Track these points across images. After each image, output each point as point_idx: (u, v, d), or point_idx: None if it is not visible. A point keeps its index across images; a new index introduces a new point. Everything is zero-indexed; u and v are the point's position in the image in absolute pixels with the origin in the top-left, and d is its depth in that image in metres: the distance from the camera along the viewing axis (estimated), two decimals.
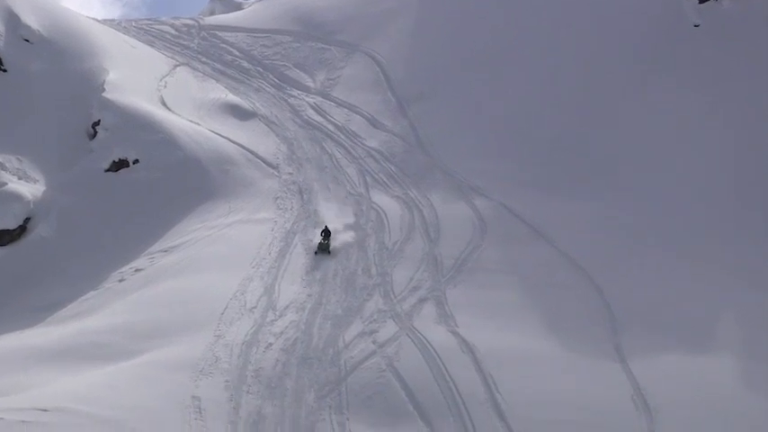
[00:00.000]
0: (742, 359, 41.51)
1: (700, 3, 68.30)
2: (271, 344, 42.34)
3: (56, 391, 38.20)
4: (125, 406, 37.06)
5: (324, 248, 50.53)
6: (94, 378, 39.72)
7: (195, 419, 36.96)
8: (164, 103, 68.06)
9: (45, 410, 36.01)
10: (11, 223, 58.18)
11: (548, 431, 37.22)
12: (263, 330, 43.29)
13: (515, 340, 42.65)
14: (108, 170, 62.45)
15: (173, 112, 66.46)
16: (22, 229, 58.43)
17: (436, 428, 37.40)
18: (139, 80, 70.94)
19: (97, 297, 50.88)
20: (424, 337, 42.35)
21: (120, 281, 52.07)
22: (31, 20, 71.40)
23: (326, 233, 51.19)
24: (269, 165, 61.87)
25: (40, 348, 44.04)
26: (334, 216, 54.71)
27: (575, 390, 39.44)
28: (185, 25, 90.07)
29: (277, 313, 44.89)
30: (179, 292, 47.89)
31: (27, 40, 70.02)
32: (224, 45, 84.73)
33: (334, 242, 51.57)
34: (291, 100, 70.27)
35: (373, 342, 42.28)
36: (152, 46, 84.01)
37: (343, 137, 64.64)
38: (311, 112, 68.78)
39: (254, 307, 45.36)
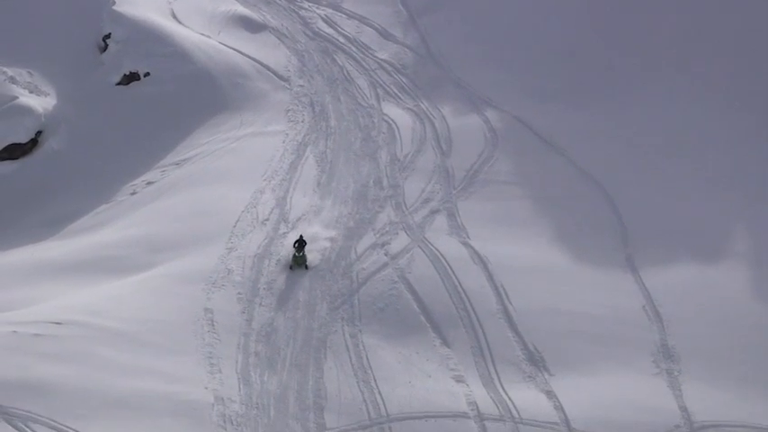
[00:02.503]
0: (754, 271, 41.28)
1: None
2: (283, 256, 42.02)
3: (69, 305, 38.23)
4: (138, 319, 37.17)
5: (299, 262, 40.75)
6: (107, 291, 39.75)
7: (208, 332, 36.99)
8: (174, 16, 67.05)
9: (58, 324, 36.09)
10: (22, 137, 57.71)
11: (559, 341, 37.22)
12: (276, 243, 43.03)
13: (527, 251, 42.47)
14: (119, 83, 61.76)
15: (183, 24, 65.50)
16: (33, 143, 58.02)
17: (448, 339, 37.42)
18: None
19: (109, 210, 50.69)
20: (435, 249, 42.16)
21: (132, 194, 51.78)
22: None
23: (301, 244, 41.07)
24: (280, 77, 61.10)
25: (53, 262, 44.06)
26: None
27: (586, 300, 39.36)
28: None
29: (289, 225, 44.59)
30: (191, 204, 47.62)
31: None
32: None
33: (311, 254, 42.08)
34: (302, 12, 69.12)
35: (385, 254, 42.10)
36: None
37: (353, 49, 63.70)
38: (322, 24, 67.67)
39: (266, 219, 45.04)
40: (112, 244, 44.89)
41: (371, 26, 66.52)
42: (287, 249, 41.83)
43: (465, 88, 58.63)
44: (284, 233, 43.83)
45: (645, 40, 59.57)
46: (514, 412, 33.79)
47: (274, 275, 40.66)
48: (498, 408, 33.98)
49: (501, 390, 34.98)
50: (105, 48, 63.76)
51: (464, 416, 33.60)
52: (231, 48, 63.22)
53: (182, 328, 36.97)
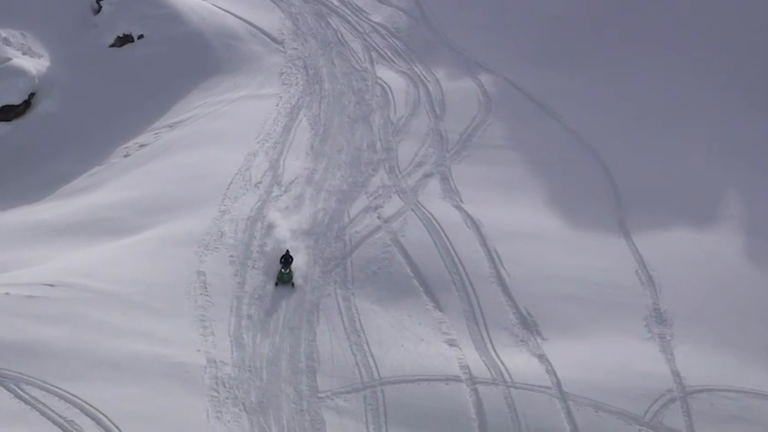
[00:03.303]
0: (746, 235, 41.29)
1: None
2: (276, 219, 41.75)
3: (62, 267, 37.97)
4: (131, 281, 36.90)
5: (285, 279, 37.63)
6: (100, 253, 39.44)
7: (200, 294, 36.73)
8: None
9: (51, 285, 35.84)
10: (15, 98, 57.16)
11: (552, 305, 37.09)
12: (268, 206, 42.71)
13: (520, 215, 42.26)
14: (112, 45, 61.17)
15: None
16: (26, 105, 57.49)
17: (441, 303, 37.24)
18: None
19: (102, 172, 50.26)
20: (428, 213, 41.90)
21: (126, 156, 51.36)
22: None
23: (287, 259, 38.03)
24: (273, 40, 60.57)
25: (46, 224, 43.83)
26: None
27: (579, 264, 39.24)
28: None
29: (282, 188, 44.26)
30: (184, 167, 47.20)
31: None
32: None
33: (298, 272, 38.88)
34: None
35: (378, 217, 41.83)
36: None
37: (348, 12, 63.12)
38: None
39: (260, 182, 44.64)
40: (105, 206, 44.56)
41: None
42: (273, 261, 38.88)
43: (459, 52, 58.19)
44: (277, 196, 43.47)
45: (647, 8, 59.17)
46: (507, 376, 33.64)
47: (267, 238, 40.29)
48: (490, 371, 33.82)
49: (493, 353, 34.81)
50: (99, 9, 63.15)
51: (456, 379, 33.44)
52: (225, 10, 62.61)
53: (174, 291, 36.70)
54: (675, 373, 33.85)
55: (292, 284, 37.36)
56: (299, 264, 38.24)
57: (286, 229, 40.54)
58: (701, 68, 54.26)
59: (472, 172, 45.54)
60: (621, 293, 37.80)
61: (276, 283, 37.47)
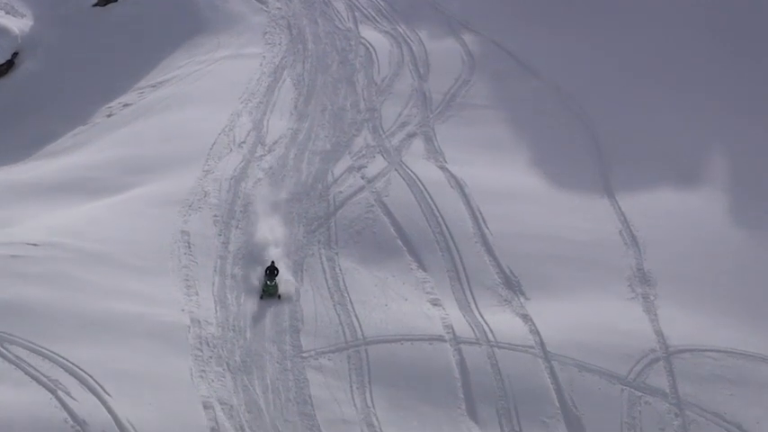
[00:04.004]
0: (732, 196, 41.10)
1: None
2: (260, 179, 41.56)
3: (46, 226, 37.60)
4: (115, 240, 36.58)
5: (271, 292, 34.94)
6: (84, 213, 39.14)
7: (184, 254, 36.44)
8: None
9: (35, 245, 35.57)
10: None
11: (535, 265, 36.82)
12: (252, 165, 42.45)
13: (504, 175, 41.97)
14: (96, 5, 60.74)
15: None
16: (9, 64, 57.12)
17: (424, 263, 36.94)
18: None
19: (86, 132, 49.94)
20: (412, 173, 41.57)
21: (109, 116, 51.05)
22: None
23: (272, 271, 35.38)
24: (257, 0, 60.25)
25: (29, 183, 43.38)
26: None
27: (563, 224, 38.99)
28: None
29: (266, 148, 44.00)
30: (168, 126, 46.93)
31: None
32: None
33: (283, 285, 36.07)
34: None
35: (362, 177, 41.52)
36: None
37: None
38: None
39: (243, 142, 44.37)
40: (89, 166, 44.21)
41: None
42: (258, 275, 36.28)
43: (442, 12, 57.84)
44: (261, 155, 43.16)
45: None
46: (490, 336, 33.31)
47: (251, 198, 40.01)
48: (474, 331, 33.50)
49: (477, 313, 34.51)
50: None
51: (440, 339, 33.15)
52: None
53: (158, 251, 36.38)
54: (659, 333, 33.60)
55: (278, 297, 34.70)
56: (286, 276, 35.90)
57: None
58: (686, 20, 53.97)
59: (456, 132, 45.27)
60: (605, 253, 37.58)
61: (261, 297, 34.72)
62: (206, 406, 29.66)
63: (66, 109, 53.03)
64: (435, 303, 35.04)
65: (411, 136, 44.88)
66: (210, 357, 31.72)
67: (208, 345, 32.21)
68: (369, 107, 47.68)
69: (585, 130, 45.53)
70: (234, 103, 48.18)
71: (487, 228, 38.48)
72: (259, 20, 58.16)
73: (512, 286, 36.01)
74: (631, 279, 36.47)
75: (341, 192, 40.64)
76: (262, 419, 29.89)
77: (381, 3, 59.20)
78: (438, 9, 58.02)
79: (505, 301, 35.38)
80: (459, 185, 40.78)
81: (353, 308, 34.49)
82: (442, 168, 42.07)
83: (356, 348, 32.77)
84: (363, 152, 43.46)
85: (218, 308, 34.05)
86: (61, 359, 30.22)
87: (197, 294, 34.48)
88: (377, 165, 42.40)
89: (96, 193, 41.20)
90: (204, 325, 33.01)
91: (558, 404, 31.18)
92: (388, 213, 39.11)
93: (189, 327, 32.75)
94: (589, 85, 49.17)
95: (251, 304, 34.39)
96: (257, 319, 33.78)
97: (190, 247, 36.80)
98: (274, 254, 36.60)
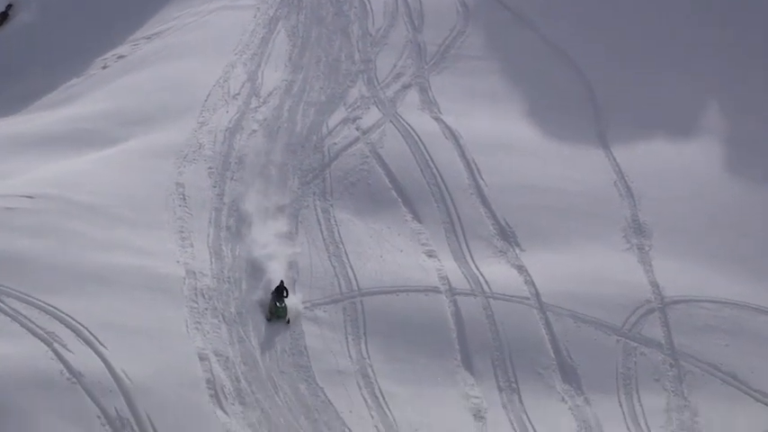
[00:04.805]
0: (727, 148, 40.89)
1: None
2: (254, 130, 41.12)
3: (41, 178, 37.22)
4: (109, 193, 36.27)
5: (281, 314, 31.74)
6: (79, 165, 38.76)
7: (179, 206, 36.14)
8: None
9: (30, 197, 35.15)
10: None
11: (530, 216, 36.66)
12: (247, 117, 41.99)
13: (499, 127, 41.63)
14: None
15: None
16: (3, 16, 56.62)
17: (419, 214, 36.74)
18: None
19: (81, 84, 49.53)
20: (407, 124, 41.20)
21: (104, 68, 50.57)
22: None
23: (281, 292, 32.22)
24: None
25: (24, 135, 42.89)
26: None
27: (558, 176, 38.79)
28: None
29: (261, 100, 43.53)
30: (162, 78, 46.37)
31: None
32: None
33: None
34: None
35: (357, 129, 41.12)
36: None
37: None
38: None
39: (238, 94, 43.87)
40: (84, 118, 43.70)
41: None
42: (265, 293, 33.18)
43: None
44: (256, 107, 42.74)
45: None
46: (485, 287, 33.16)
47: (246, 150, 39.64)
48: (469, 282, 33.35)
49: (472, 264, 34.35)
50: None
51: (435, 290, 33.02)
52: None
53: (153, 203, 36.11)
54: (653, 284, 33.55)
55: (288, 321, 31.61)
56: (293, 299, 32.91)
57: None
58: None
59: (451, 83, 44.89)
60: (600, 205, 37.47)
61: (269, 319, 31.74)
62: (201, 357, 29.43)
63: (60, 61, 52.60)
64: (430, 255, 34.86)
65: (406, 87, 44.48)
66: (206, 309, 31.46)
67: (203, 296, 31.93)
68: (364, 58, 47.18)
69: (581, 81, 45.20)
70: (228, 54, 47.64)
71: (482, 179, 38.23)
72: None
73: (507, 237, 35.79)
74: (626, 230, 36.34)
75: (336, 143, 40.24)
76: (257, 371, 29.67)
77: None
78: None
79: (500, 252, 35.18)
80: (453, 137, 40.45)
81: (349, 259, 34.25)
82: (437, 119, 41.73)
83: (351, 300, 32.60)
84: (358, 103, 43.05)
85: (213, 259, 33.75)
86: (57, 311, 29.90)
87: (192, 246, 34.18)
88: (372, 116, 42.00)
89: (91, 146, 40.74)
90: (199, 276, 32.73)
91: (553, 355, 31.12)
92: (383, 165, 38.81)
93: (184, 278, 32.45)
94: (586, 36, 48.67)
95: (246, 255, 34.18)
96: (253, 271, 33.59)
97: (185, 199, 36.50)
98: (277, 269, 34.02)
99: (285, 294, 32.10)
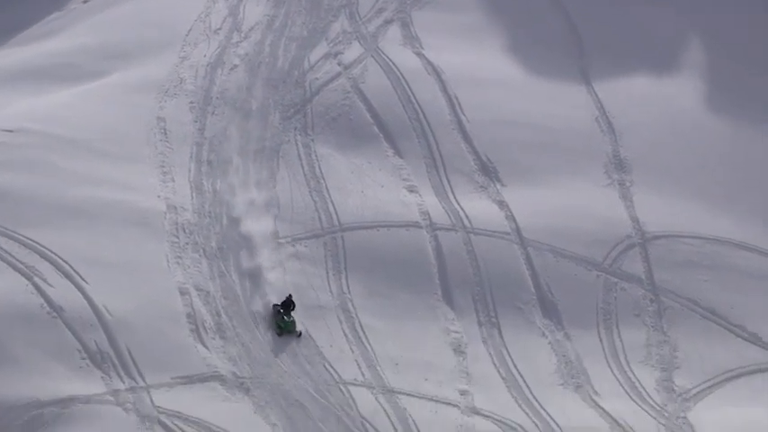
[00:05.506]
0: (708, 84, 40.51)
1: None
2: (236, 65, 40.52)
3: (21, 112, 36.85)
4: (90, 127, 36.01)
5: (289, 329, 29.56)
6: (60, 99, 38.37)
7: (160, 141, 35.88)
8: None
9: (10, 131, 35.03)
10: None
11: (512, 152, 36.43)
12: (228, 52, 41.33)
13: (481, 62, 41.09)
14: None
15: None
16: None
17: (401, 150, 36.46)
18: None
19: (61, 18, 48.36)
20: (389, 59, 40.64)
21: (85, 2, 49.41)
22: None
23: (288, 306, 30.04)
24: None
25: (3, 70, 42.19)
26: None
27: (540, 111, 38.43)
28: None
29: (242, 35, 42.71)
30: (143, 13, 45.40)
31: None
32: None
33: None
34: None
35: (339, 64, 40.55)
36: None
37: None
38: None
39: (219, 28, 43.05)
40: (64, 52, 42.95)
41: None
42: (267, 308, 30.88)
43: None
44: (237, 42, 42.05)
45: None
46: (466, 222, 33.04)
47: (227, 84, 39.17)
48: (450, 217, 33.22)
49: (453, 200, 34.20)
50: None
51: (416, 225, 32.89)
52: None
53: (134, 137, 35.86)
54: (634, 220, 33.50)
55: (299, 334, 29.55)
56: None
57: None
58: None
59: (433, 18, 43.98)
60: (581, 140, 37.23)
61: (279, 334, 29.60)
62: (182, 292, 29.46)
63: None
64: (411, 190, 34.68)
65: (388, 22, 43.60)
66: (187, 244, 31.39)
67: (184, 231, 31.83)
68: None
69: (563, 17, 44.36)
70: None
71: (464, 114, 37.88)
72: None
73: (488, 173, 35.58)
74: (607, 166, 36.17)
75: (317, 78, 39.70)
76: (238, 305, 29.62)
77: None
78: None
79: (482, 187, 35.01)
80: (435, 72, 39.99)
81: (329, 194, 34.08)
82: (419, 55, 41.16)
83: (332, 235, 32.45)
84: (340, 38, 42.35)
85: (194, 194, 33.59)
86: (37, 246, 29.91)
87: (173, 181, 34.01)
88: (353, 51, 41.36)
89: (72, 80, 40.21)
90: (180, 211, 32.61)
91: (533, 290, 31.11)
92: (365, 100, 38.39)
93: (165, 213, 32.34)
94: None
95: (228, 191, 33.96)
96: (232, 204, 33.48)
97: (166, 134, 36.21)
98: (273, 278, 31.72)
99: (292, 308, 30.05)
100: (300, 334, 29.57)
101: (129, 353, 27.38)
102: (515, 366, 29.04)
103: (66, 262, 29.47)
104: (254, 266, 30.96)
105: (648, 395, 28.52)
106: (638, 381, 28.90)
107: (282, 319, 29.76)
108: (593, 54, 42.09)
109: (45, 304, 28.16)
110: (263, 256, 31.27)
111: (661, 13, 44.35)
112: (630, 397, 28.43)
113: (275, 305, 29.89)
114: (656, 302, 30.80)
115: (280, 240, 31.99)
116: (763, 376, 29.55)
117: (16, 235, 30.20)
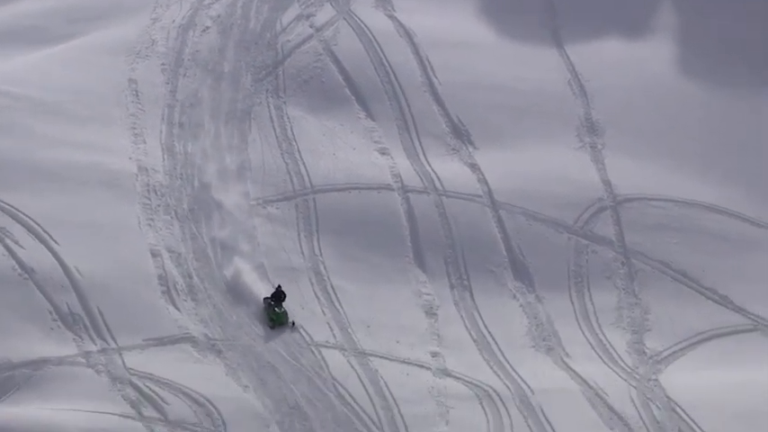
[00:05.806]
0: (681, 47, 40.45)
1: None
2: (208, 27, 40.01)
3: None
4: (62, 89, 35.80)
5: (282, 320, 29.00)
6: (30, 61, 38.00)
7: (132, 102, 35.60)
8: None
9: None
10: None
11: (484, 115, 36.28)
12: (200, 14, 40.74)
13: (453, 25, 40.87)
14: None
15: None
16: None
17: (373, 112, 36.30)
18: None
19: None
20: (361, 22, 40.26)
21: None
22: None
23: (279, 297, 29.44)
24: None
25: None
26: None
27: (512, 74, 38.33)
28: None
29: None
30: None
31: None
32: None
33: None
34: None
35: (311, 26, 40.10)
36: None
37: None
38: None
39: None
40: (32, 14, 42.51)
41: None
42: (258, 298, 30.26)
43: None
44: (209, 3, 41.46)
45: None
46: (438, 184, 32.99)
47: (199, 46, 38.76)
48: (422, 180, 33.15)
49: (425, 162, 34.11)
50: None
51: (388, 188, 32.82)
52: None
53: (105, 99, 35.57)
54: (606, 183, 33.53)
55: (292, 324, 28.84)
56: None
57: None
58: None
59: None
60: (553, 103, 37.14)
61: (271, 327, 28.90)
62: (154, 254, 29.32)
63: None
64: (383, 152, 34.58)
65: None
66: (158, 205, 31.23)
67: (156, 193, 31.65)
68: None
69: None
70: None
71: (436, 77, 37.74)
72: None
73: (460, 135, 35.48)
74: (579, 129, 36.10)
75: (289, 40, 39.32)
76: (209, 267, 29.45)
77: None
78: None
79: (453, 150, 34.90)
80: (407, 34, 39.69)
81: (301, 156, 33.92)
82: (391, 17, 40.77)
83: (304, 197, 32.34)
84: (312, 0, 41.79)
85: (165, 156, 33.36)
86: (8, 207, 29.76)
87: (144, 143, 33.79)
88: (325, 13, 40.91)
89: (42, 42, 39.78)
90: (152, 173, 32.42)
91: (505, 253, 31.04)
92: (337, 62, 38.14)
93: (136, 175, 32.15)
94: None
95: (199, 153, 33.75)
96: (205, 167, 33.25)
97: (137, 96, 35.91)
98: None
99: (282, 299, 29.39)
100: (294, 324, 28.90)
101: (101, 314, 27.22)
102: (487, 329, 29.00)
103: (37, 224, 29.28)
104: (225, 229, 30.77)
105: (620, 357, 28.53)
106: (610, 343, 28.91)
107: (274, 311, 29.28)
108: (565, 17, 41.86)
109: (16, 266, 27.99)
110: (234, 217, 31.08)
111: None
112: (602, 359, 28.44)
113: (266, 298, 29.28)
114: (627, 265, 30.83)
115: (251, 202, 31.86)
116: (734, 338, 29.60)
117: None
